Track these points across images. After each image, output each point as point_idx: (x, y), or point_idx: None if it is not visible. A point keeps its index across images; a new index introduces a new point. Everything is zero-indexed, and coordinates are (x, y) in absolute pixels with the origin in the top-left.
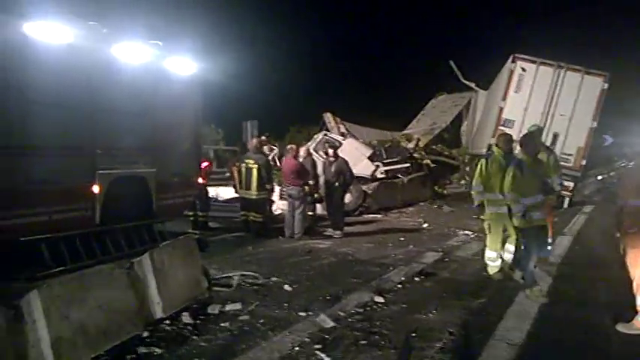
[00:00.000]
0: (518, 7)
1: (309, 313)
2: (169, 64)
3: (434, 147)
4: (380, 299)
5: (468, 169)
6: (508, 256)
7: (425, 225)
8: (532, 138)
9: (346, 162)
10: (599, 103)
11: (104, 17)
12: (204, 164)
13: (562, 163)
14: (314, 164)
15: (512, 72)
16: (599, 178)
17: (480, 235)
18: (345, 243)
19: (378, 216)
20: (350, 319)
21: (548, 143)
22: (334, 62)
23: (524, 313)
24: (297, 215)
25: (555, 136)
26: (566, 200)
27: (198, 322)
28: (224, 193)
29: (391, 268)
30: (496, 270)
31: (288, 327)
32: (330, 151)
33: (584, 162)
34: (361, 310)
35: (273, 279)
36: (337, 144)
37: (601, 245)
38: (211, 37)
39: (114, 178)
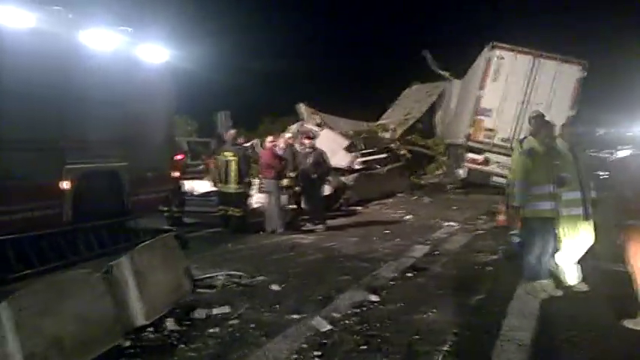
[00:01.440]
0: None
1: (302, 315)
2: (140, 52)
3: (409, 137)
4: (374, 298)
5: (445, 158)
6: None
7: (408, 217)
8: (543, 125)
9: (323, 153)
10: (576, 91)
11: (70, 3)
12: (179, 157)
13: None
14: (295, 156)
15: (489, 60)
16: None
17: (464, 225)
18: (329, 237)
19: (359, 208)
20: (346, 321)
21: (525, 132)
22: (308, 52)
23: (527, 311)
24: (274, 209)
25: None
26: None
27: (184, 328)
28: (199, 186)
29: (381, 264)
30: (577, 277)
31: (281, 331)
32: (307, 142)
33: None
34: (356, 310)
35: (259, 278)
36: (313, 135)
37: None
38: (183, 24)
39: (84, 173)
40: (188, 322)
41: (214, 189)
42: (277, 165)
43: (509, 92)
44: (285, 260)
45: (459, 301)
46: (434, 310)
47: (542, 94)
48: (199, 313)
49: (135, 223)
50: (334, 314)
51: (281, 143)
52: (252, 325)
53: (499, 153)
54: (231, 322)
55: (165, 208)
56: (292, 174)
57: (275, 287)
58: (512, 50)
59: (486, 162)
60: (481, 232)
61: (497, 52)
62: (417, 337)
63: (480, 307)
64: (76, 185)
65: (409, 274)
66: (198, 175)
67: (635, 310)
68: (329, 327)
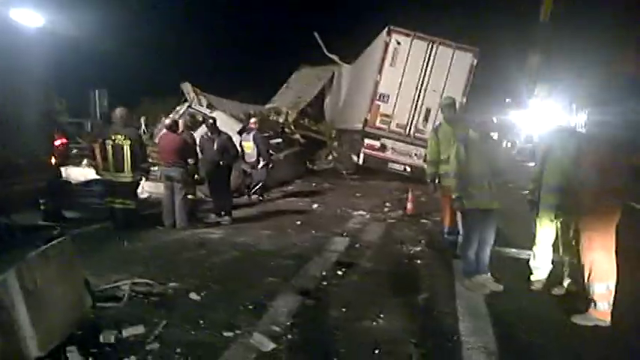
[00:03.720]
0: None
1: (237, 331)
2: (12, 15)
3: (302, 121)
4: (311, 302)
5: (335, 144)
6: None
7: (315, 205)
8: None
9: (230, 137)
10: (468, 79)
11: None
12: (59, 141)
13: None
14: (194, 140)
15: (387, 44)
16: None
17: (374, 214)
18: (239, 231)
19: (261, 197)
20: (290, 336)
21: (421, 119)
22: (190, 29)
23: (476, 310)
24: (179, 201)
25: (428, 112)
26: None
27: (90, 359)
28: (77, 174)
29: (305, 260)
30: (540, 278)
31: (217, 356)
32: (209, 126)
33: None
34: (297, 320)
35: (172, 285)
36: (208, 118)
37: (522, 227)
38: None
39: None
40: (95, 350)
41: (97, 177)
42: (186, 149)
43: (405, 78)
44: (198, 261)
45: (404, 302)
46: (382, 315)
47: (438, 81)
48: (107, 337)
49: (6, 219)
50: (274, 327)
51: (180, 126)
52: (178, 350)
53: (396, 139)
54: (149, 346)
55: (42, 201)
56: (191, 160)
57: (194, 296)
58: (409, 35)
59: (383, 148)
60: (392, 220)
61: (395, 36)
62: (377, 351)
63: (427, 309)
64: None
65: (339, 272)
66: (73, 161)
67: (584, 305)
68: (272, 345)
